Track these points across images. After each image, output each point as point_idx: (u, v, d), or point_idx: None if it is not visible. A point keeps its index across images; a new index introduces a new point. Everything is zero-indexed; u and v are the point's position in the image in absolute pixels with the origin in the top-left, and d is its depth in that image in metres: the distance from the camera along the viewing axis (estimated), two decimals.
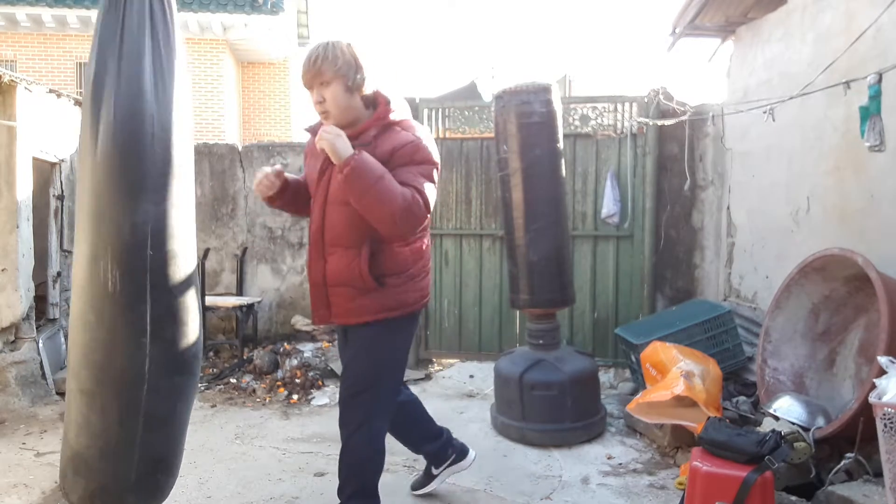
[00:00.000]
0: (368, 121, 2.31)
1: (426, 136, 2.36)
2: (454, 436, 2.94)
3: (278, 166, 2.42)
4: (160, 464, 2.14)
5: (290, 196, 2.49)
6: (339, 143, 2.16)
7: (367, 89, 2.31)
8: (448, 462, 2.89)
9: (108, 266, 1.96)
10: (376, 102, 2.35)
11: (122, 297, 1.98)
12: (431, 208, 2.29)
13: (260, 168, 2.43)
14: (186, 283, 2.12)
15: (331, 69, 2.22)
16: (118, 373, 2.01)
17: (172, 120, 2.07)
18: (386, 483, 2.98)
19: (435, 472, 2.91)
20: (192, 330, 2.14)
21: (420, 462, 3.09)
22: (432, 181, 2.30)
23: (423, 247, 2.46)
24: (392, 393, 2.49)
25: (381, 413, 2.44)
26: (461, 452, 2.91)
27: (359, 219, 2.24)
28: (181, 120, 2.12)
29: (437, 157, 2.35)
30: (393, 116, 2.32)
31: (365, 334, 2.38)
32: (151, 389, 2.03)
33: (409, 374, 4.97)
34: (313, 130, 2.38)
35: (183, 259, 2.12)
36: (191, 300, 2.13)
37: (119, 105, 1.96)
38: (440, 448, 2.86)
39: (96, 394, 2.04)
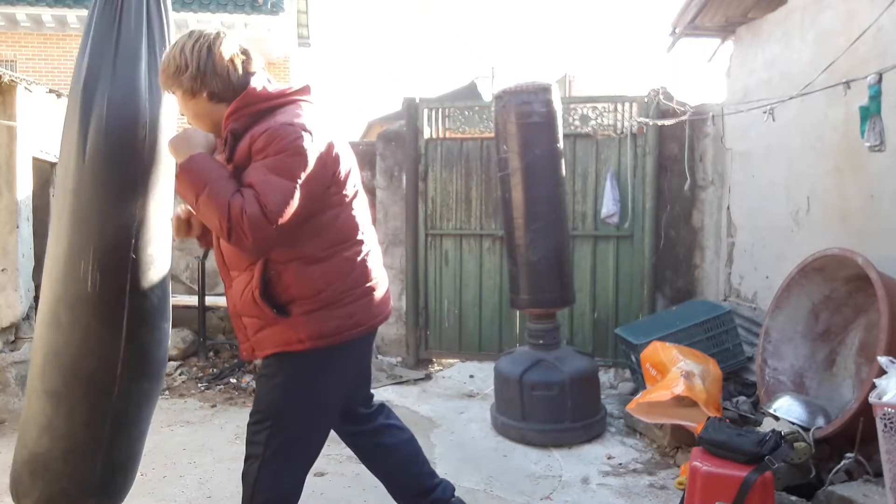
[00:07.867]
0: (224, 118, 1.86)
1: (301, 119, 1.80)
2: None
3: (181, 207, 2.01)
4: (122, 466, 2.10)
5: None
6: (172, 148, 1.86)
7: (218, 86, 1.84)
8: None
9: (90, 267, 1.95)
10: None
11: (101, 298, 1.96)
12: (286, 212, 1.72)
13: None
14: (161, 288, 2.09)
15: (163, 79, 1.88)
16: (89, 375, 1.99)
17: (163, 122, 2.04)
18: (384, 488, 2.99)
19: None
20: (164, 335, 2.11)
21: None
22: (290, 177, 1.73)
23: (345, 265, 1.92)
24: (304, 442, 1.99)
25: (281, 456, 1.94)
26: None
27: None
28: (170, 122, 2.11)
29: (310, 142, 1.77)
30: (261, 105, 1.84)
31: (268, 366, 1.95)
32: (122, 393, 2.00)
33: (409, 374, 4.97)
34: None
35: (161, 263, 2.09)
36: (164, 305, 2.10)
37: (112, 106, 1.94)
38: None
39: (63, 395, 2.00)
